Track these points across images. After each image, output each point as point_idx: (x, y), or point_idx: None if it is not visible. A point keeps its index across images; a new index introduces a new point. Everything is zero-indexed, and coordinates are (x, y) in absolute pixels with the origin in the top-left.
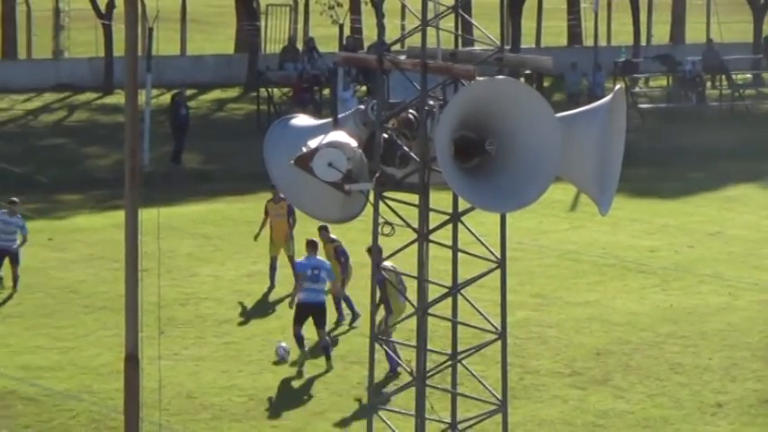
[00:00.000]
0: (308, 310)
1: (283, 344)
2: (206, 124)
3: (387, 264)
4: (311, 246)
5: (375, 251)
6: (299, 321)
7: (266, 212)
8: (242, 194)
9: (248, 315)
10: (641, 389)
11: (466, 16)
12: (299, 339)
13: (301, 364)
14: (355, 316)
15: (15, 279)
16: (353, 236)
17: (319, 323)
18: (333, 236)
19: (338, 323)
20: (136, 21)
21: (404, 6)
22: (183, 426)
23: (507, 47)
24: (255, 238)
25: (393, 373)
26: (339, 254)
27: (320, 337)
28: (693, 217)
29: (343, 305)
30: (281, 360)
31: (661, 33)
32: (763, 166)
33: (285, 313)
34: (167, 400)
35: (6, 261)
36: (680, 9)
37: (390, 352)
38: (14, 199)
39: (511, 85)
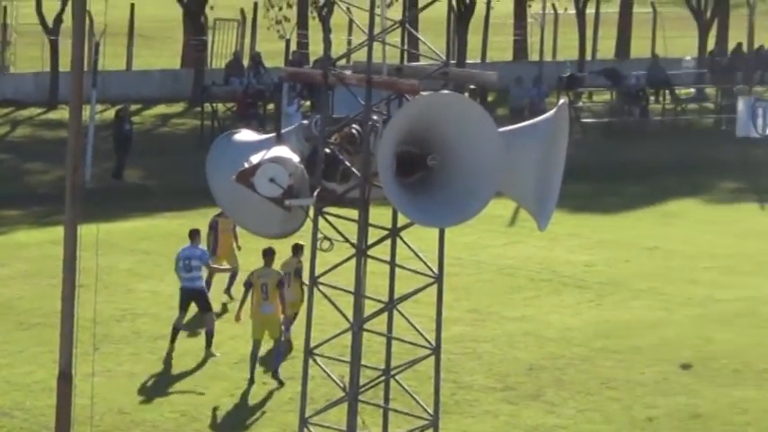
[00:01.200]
0: (189, 296)
1: None
2: (149, 139)
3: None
4: (192, 235)
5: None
6: (182, 308)
7: (211, 227)
8: (183, 210)
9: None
10: (573, 404)
11: (413, 31)
12: (175, 332)
13: (169, 353)
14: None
15: None
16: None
17: (203, 307)
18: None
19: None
20: (83, 35)
21: (351, 21)
22: None
23: (453, 61)
24: (213, 253)
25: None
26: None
27: (206, 322)
28: (632, 231)
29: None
30: None
31: (607, 48)
32: (703, 180)
33: (222, 329)
34: (99, 417)
35: None
36: (626, 24)
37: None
38: None
39: (454, 99)
